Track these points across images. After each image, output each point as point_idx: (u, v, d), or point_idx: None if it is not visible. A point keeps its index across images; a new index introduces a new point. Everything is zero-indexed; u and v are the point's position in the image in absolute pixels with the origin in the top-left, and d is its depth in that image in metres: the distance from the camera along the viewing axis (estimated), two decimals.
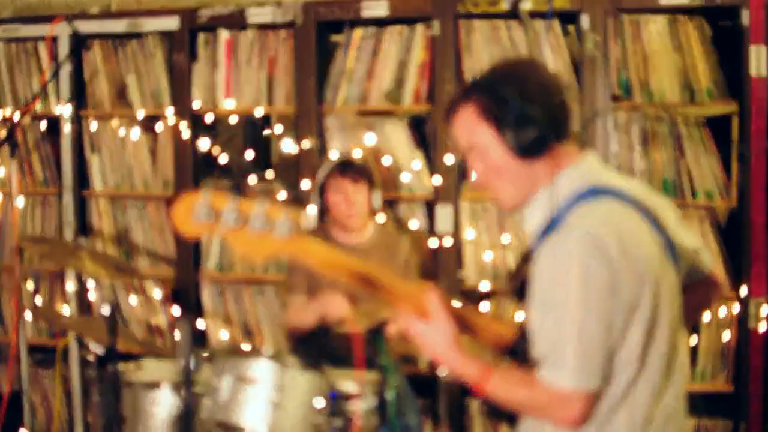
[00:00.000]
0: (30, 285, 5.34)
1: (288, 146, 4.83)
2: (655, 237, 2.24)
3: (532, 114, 2.24)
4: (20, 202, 5.18)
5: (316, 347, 4.07)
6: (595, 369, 2.11)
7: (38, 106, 5.30)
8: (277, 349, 4.72)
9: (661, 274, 2.19)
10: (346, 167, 4.34)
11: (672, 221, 2.38)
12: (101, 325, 3.62)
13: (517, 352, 2.33)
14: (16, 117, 4.54)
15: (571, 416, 2.14)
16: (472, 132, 2.33)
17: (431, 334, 2.29)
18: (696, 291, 2.51)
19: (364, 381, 3.68)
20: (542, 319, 2.16)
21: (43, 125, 5.36)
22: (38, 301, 5.39)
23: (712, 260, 2.55)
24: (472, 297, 4.67)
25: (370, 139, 4.76)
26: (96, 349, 3.71)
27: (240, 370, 3.50)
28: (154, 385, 3.69)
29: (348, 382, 3.73)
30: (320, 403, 3.55)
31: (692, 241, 2.47)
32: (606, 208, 2.20)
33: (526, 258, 2.42)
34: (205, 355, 3.61)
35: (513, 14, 4.46)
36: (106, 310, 3.14)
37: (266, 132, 5.07)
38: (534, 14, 4.44)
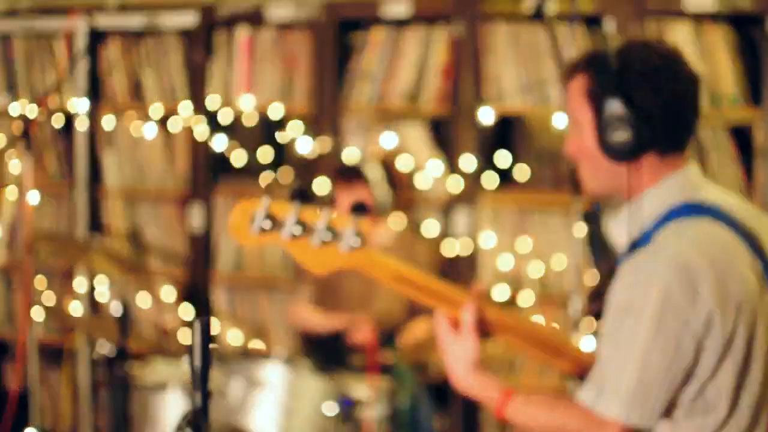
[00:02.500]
0: (40, 282, 5.31)
1: (305, 146, 4.78)
2: (753, 264, 2.02)
3: (638, 119, 2.02)
4: (33, 197, 5.14)
5: (329, 351, 4.02)
6: (649, 405, 1.94)
7: (53, 101, 5.27)
8: (289, 353, 4.67)
9: (758, 306, 1.99)
10: (338, 173, 4.29)
11: None
12: (111, 324, 3.59)
13: None
14: (31, 112, 4.49)
15: None
16: (576, 105, 2.15)
17: (453, 350, 2.15)
18: None
19: (376, 387, 3.63)
20: (608, 338, 1.99)
21: (58, 120, 5.33)
22: (48, 298, 5.35)
23: None
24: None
25: (388, 140, 4.70)
26: (105, 348, 3.67)
27: (251, 372, 3.46)
28: (163, 387, 3.66)
29: (360, 388, 3.68)
30: (332, 408, 3.50)
31: None
32: (701, 230, 2.00)
33: (609, 275, 2.24)
34: (216, 356, 3.57)
35: (536, 16, 4.39)
36: (116, 309, 3.10)
37: (283, 132, 5.01)
38: (558, 17, 4.37)
